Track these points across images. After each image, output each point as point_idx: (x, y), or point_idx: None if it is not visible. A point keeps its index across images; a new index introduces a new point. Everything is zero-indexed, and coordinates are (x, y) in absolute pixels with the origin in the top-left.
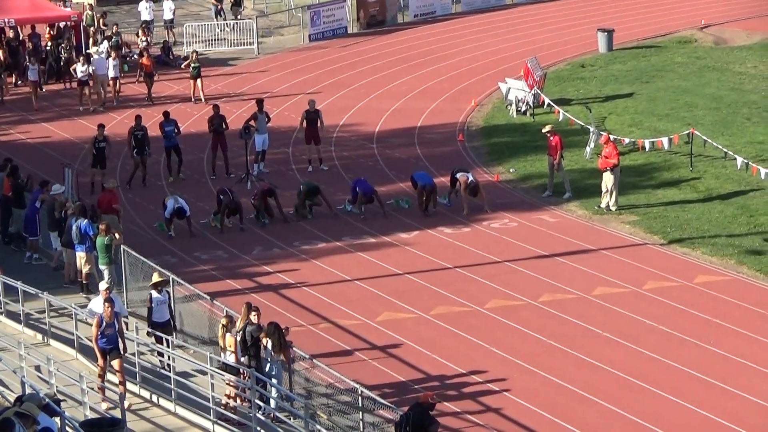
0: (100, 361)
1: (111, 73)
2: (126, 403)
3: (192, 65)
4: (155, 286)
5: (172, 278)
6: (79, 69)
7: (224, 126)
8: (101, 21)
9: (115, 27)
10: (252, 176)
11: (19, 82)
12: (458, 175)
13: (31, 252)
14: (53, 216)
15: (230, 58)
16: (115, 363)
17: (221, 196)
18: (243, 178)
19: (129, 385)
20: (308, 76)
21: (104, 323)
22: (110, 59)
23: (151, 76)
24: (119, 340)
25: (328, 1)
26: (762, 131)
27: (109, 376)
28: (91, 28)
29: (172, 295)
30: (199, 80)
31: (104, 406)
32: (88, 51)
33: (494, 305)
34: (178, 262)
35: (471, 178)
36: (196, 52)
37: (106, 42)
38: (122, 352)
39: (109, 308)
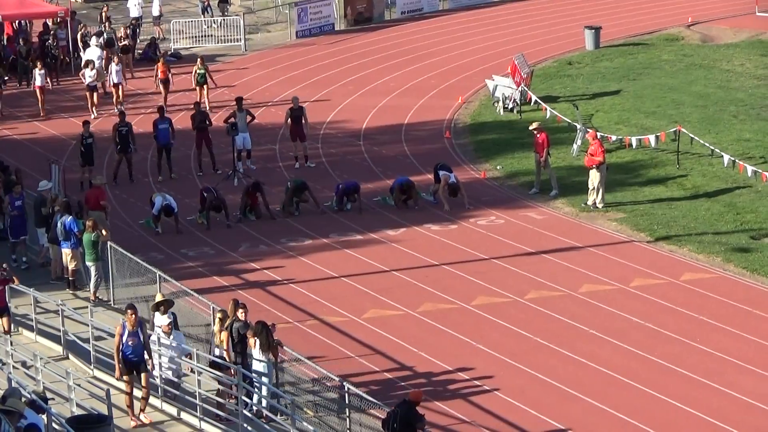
0: (118, 373)
1: (114, 79)
2: (146, 419)
3: (197, 71)
4: (158, 306)
5: (159, 274)
6: (87, 74)
7: (207, 123)
8: (103, 15)
9: (106, 24)
10: (239, 173)
11: (6, 78)
12: (441, 174)
13: (16, 255)
14: (40, 212)
15: (217, 55)
16: (141, 377)
17: (205, 194)
18: (229, 175)
19: (116, 381)
20: (295, 72)
21: (126, 332)
22: (113, 64)
23: (166, 83)
24: (144, 353)
25: None
26: (749, 129)
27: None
28: (81, 26)
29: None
30: (205, 88)
31: (132, 423)
32: (90, 58)
33: (481, 302)
34: (165, 258)
35: (453, 178)
36: (202, 58)
37: (95, 38)
38: (148, 366)
39: (133, 316)
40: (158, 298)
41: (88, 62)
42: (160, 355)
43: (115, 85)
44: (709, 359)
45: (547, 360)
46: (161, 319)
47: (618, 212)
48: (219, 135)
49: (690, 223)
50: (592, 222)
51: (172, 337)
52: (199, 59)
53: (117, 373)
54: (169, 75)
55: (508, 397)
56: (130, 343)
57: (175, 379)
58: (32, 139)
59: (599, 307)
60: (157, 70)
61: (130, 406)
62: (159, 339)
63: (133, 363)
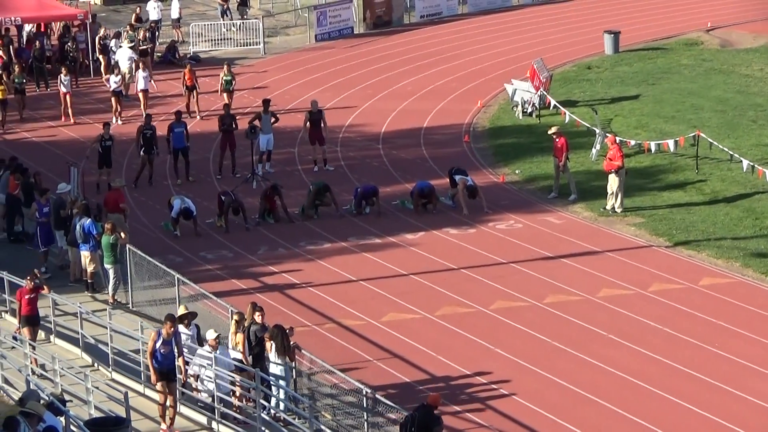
0: (154, 379)
1: (140, 86)
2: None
3: (224, 78)
4: (181, 319)
5: (177, 277)
6: (112, 80)
7: (234, 126)
8: (134, 16)
9: (128, 28)
10: (257, 176)
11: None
12: (457, 178)
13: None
14: (59, 214)
15: (236, 58)
16: (170, 386)
17: (222, 197)
18: (248, 178)
19: (134, 384)
20: (314, 76)
21: (161, 339)
22: (140, 71)
23: (192, 90)
24: (176, 362)
25: (335, 2)
26: None
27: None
28: (101, 29)
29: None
30: (232, 95)
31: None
32: (120, 59)
33: (499, 306)
34: (183, 261)
35: (470, 181)
36: (228, 64)
37: (125, 39)
38: (179, 375)
39: (171, 327)
40: (181, 310)
41: (114, 67)
42: (197, 366)
43: (143, 92)
44: (727, 364)
45: (565, 364)
46: (186, 332)
47: (637, 217)
48: (239, 138)
49: (709, 228)
50: (610, 226)
51: (218, 352)
52: (225, 65)
53: (153, 379)
54: (196, 82)
55: (525, 401)
56: (162, 351)
57: (222, 396)
58: (51, 142)
59: (617, 311)
60: (183, 77)
61: (162, 415)
62: (188, 348)
63: (162, 371)
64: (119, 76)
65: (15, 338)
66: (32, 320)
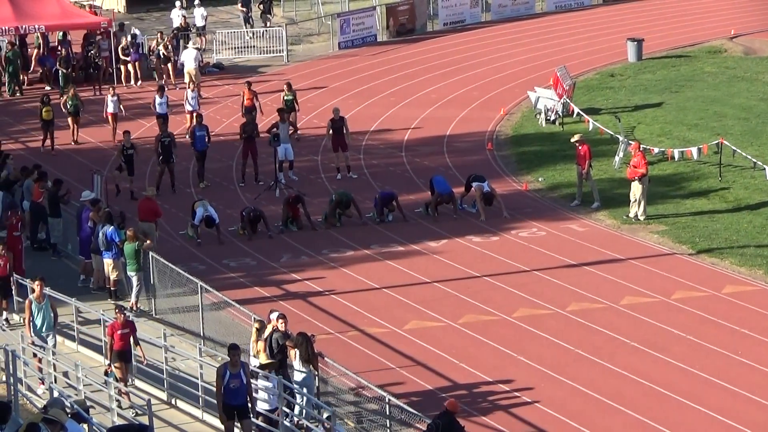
0: (221, 419)
1: (189, 106)
2: None
3: (285, 98)
4: (263, 368)
5: (200, 285)
6: (158, 101)
7: (255, 133)
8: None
9: (161, 36)
10: (281, 184)
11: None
12: (474, 185)
13: (85, 275)
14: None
15: (260, 66)
16: (244, 424)
17: (243, 213)
18: (272, 186)
19: (156, 392)
20: (337, 84)
21: (228, 374)
22: (188, 90)
23: (250, 111)
24: (248, 396)
25: (358, 9)
26: None
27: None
28: (123, 39)
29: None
30: (296, 115)
31: None
32: (184, 61)
33: (522, 314)
34: (206, 269)
35: (486, 187)
36: (289, 83)
37: (191, 42)
38: (250, 413)
39: (235, 356)
40: (262, 359)
41: (160, 87)
42: None
43: (190, 113)
44: (750, 372)
45: (588, 372)
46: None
47: (660, 224)
48: (262, 145)
49: (732, 235)
50: (633, 234)
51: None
52: (286, 85)
53: (221, 420)
54: (256, 102)
55: (548, 409)
56: (232, 385)
57: None
58: (74, 149)
59: (640, 319)
60: (243, 97)
61: None
62: None
63: (234, 407)
64: (164, 97)
65: (107, 374)
66: (125, 356)
